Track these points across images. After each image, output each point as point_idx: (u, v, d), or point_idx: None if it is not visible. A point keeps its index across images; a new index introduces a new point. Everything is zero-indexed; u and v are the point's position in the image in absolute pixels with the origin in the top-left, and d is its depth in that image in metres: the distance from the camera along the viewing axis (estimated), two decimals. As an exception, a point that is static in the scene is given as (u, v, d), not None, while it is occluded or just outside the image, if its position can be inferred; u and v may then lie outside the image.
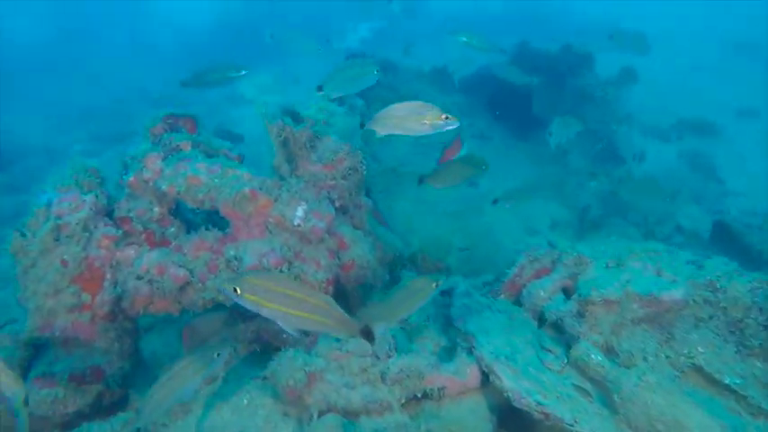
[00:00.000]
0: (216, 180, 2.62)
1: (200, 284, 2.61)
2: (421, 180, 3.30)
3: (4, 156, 8.06)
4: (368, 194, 3.25)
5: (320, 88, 4.48)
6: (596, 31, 13.17)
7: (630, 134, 4.64)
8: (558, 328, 2.92)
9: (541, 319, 3.00)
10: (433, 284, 2.45)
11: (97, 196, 2.51)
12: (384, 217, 3.59)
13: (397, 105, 2.38)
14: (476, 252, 3.90)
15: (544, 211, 4.80)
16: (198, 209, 2.71)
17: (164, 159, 2.70)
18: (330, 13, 14.86)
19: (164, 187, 2.65)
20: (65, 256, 2.36)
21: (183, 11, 16.76)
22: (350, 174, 2.85)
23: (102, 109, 10.42)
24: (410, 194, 4.35)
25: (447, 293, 3.25)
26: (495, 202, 3.64)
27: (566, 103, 5.16)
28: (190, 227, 2.91)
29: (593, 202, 4.72)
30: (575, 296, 2.84)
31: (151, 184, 2.67)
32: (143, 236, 2.66)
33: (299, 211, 2.65)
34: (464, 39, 4.83)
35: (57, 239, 2.36)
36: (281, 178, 2.81)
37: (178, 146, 2.78)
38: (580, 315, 2.78)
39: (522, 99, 5.46)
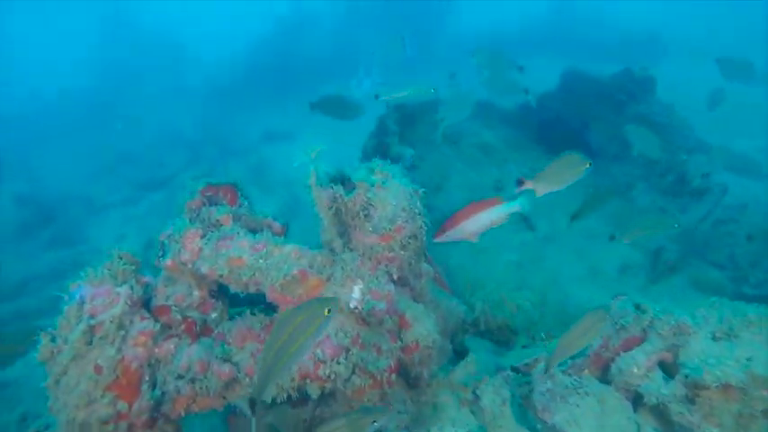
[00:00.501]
0: (261, 261, 2.33)
1: (247, 379, 2.32)
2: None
3: (46, 206, 8.11)
4: (426, 257, 2.91)
5: (377, 96, 4.29)
6: (641, 42, 12.75)
7: (708, 165, 4.18)
8: (660, 414, 2.49)
9: (637, 402, 2.58)
10: None
11: (132, 288, 2.24)
12: (445, 278, 3.24)
13: (553, 164, 2.58)
14: (545, 309, 3.50)
15: (611, 251, 4.36)
16: (242, 292, 2.42)
17: (203, 237, 2.43)
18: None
19: (204, 270, 2.37)
20: (99, 361, 2.09)
21: (212, 51, 17.05)
22: (409, 242, 2.52)
23: (137, 154, 10.48)
24: (465, 245, 3.98)
25: (521, 370, 2.86)
26: (611, 238, 3.50)
27: (626, 131, 4.74)
28: (233, 300, 2.64)
29: (666, 242, 4.25)
30: (680, 376, 2.41)
31: (190, 266, 2.40)
32: (183, 326, 2.38)
33: (356, 292, 2.33)
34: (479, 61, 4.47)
35: (89, 342, 2.10)
36: (332, 251, 2.50)
37: (218, 221, 2.51)
38: (690, 401, 2.35)
39: (575, 130, 5.06)
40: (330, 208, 2.39)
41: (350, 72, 14.21)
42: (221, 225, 2.51)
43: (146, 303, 2.39)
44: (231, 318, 2.54)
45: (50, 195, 8.55)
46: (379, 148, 3.93)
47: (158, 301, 2.41)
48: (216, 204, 2.61)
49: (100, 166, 10.48)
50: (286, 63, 14.48)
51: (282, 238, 2.48)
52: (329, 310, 1.73)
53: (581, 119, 5.10)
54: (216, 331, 2.45)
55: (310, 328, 1.71)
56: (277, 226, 2.68)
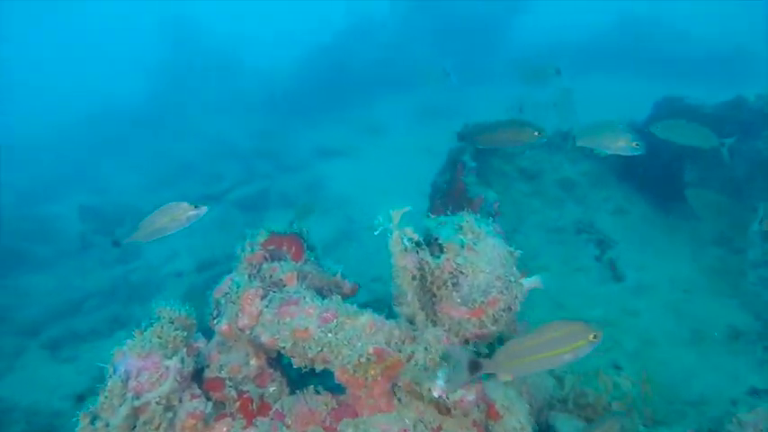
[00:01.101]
0: (330, 335, 1.97)
1: (307, 471, 1.97)
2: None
3: (107, 219, 8.16)
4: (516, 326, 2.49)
5: (461, 137, 3.95)
6: (727, 58, 11.76)
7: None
8: None
9: None
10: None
11: (183, 360, 1.94)
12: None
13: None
14: (647, 386, 2.98)
15: (717, 311, 3.77)
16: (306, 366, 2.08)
17: (264, 297, 2.11)
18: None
19: (264, 339, 2.05)
20: (142, 450, 1.79)
21: (268, 60, 17.18)
22: (502, 315, 2.12)
23: (192, 166, 10.51)
24: (543, 297, 3.52)
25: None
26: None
27: (732, 169, 4.15)
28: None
29: (787, 304, 3.63)
30: None
31: (248, 332, 2.08)
32: (237, 403, 2.06)
33: (441, 379, 1.94)
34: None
35: (133, 428, 1.80)
36: (410, 322, 2.12)
37: (281, 280, 2.19)
38: None
39: (668, 164, 4.50)
40: (414, 279, 2.02)
41: (406, 86, 13.94)
42: (285, 285, 2.18)
43: (197, 374, 2.09)
44: (292, 391, 2.21)
45: (111, 207, 8.62)
46: (452, 187, 3.55)
47: (211, 371, 2.10)
48: (279, 259, 2.29)
49: (158, 177, 10.59)
50: (341, 75, 14.35)
51: (355, 307, 2.11)
52: (595, 337, 1.64)
53: (675, 153, 4.53)
54: (274, 408, 2.12)
55: (569, 346, 1.65)
56: (347, 286, 2.34)
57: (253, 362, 2.16)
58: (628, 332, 3.53)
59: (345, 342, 1.97)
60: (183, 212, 2.45)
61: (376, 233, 1.97)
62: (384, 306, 4.49)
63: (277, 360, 2.25)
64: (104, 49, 26.93)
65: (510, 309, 2.15)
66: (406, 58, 15.50)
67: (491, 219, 2.35)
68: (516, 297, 2.16)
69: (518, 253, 2.23)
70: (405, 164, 8.15)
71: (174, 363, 1.92)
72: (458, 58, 14.64)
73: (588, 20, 15.29)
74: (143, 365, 1.89)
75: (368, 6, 17.38)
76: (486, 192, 3.12)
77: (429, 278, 2.08)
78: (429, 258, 2.03)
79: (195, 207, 2.49)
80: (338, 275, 2.37)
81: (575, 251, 4.14)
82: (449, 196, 3.60)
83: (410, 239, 2.00)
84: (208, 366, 2.12)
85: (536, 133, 2.93)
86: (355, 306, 2.12)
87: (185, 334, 2.05)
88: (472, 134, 3.77)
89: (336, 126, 11.87)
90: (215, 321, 2.19)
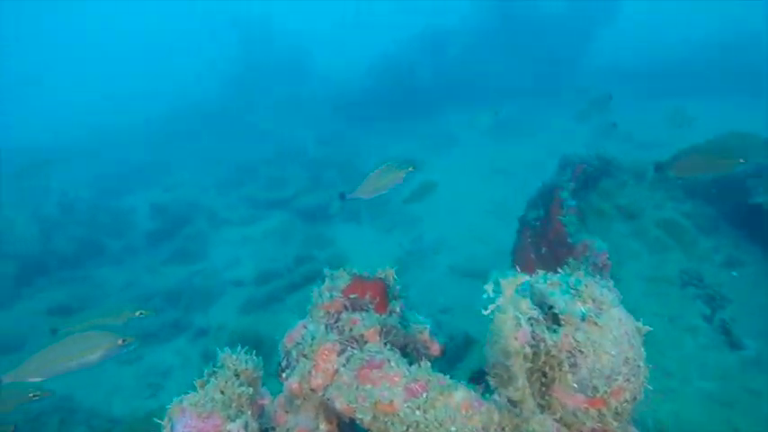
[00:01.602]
0: (419, 413, 1.66)
1: None
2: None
3: (176, 217, 8.30)
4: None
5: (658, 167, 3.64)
6: None
7: None
8: None
9: None
10: None
11: (247, 424, 1.68)
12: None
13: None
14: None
15: None
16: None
17: (341, 354, 1.83)
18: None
19: (338, 404, 1.77)
20: None
21: (340, 65, 17.21)
22: (626, 406, 1.73)
23: (258, 168, 10.55)
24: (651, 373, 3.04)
25: None
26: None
27: None
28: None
29: None
30: None
31: (321, 393, 1.81)
32: (303, 477, 1.78)
33: (549, 483, 1.58)
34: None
35: (186, 502, 1.56)
36: (513, 405, 1.77)
37: (362, 335, 1.90)
38: None
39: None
40: (527, 360, 1.67)
41: (479, 99, 13.49)
42: (366, 341, 1.89)
43: (261, 435, 1.83)
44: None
45: (181, 205, 8.76)
46: (547, 226, 3.16)
47: (276, 436, 1.84)
48: (361, 308, 2.00)
49: (224, 177, 10.72)
50: (412, 84, 14.09)
51: (449, 378, 1.78)
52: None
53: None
54: (343, 484, 1.83)
55: None
56: (436, 346, 2.02)
57: (323, 427, 1.88)
58: (749, 417, 2.99)
59: (437, 424, 1.65)
60: (400, 174, 2.59)
61: (485, 312, 1.64)
62: (457, 346, 4.13)
63: (350, 426, 1.96)
64: (182, 47, 28.19)
65: (635, 399, 1.76)
66: (480, 70, 15.09)
67: (600, 274, 1.97)
68: (643, 383, 1.77)
69: (647, 329, 1.83)
70: (477, 182, 7.76)
71: (237, 427, 1.67)
72: (535, 72, 14.08)
73: (685, 33, 14.24)
74: (203, 428, 1.65)
75: (442, 15, 17.12)
76: (591, 238, 2.72)
77: (542, 357, 1.72)
78: (546, 335, 1.68)
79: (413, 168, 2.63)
80: (426, 332, 2.05)
81: (680, 308, 3.62)
82: (542, 237, 3.21)
83: (527, 317, 1.65)
84: (273, 429, 1.86)
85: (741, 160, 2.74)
86: (448, 377, 1.80)
87: (251, 391, 1.80)
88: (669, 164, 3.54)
89: (405, 137, 11.62)
90: (284, 375, 1.93)
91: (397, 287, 2.18)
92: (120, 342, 2.06)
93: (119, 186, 10.79)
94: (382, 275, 2.15)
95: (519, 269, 3.36)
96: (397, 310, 2.09)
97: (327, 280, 2.08)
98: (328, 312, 1.99)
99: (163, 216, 8.20)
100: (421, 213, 7.50)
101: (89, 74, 26.84)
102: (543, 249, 3.17)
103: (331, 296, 2.00)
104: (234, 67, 17.25)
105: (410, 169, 2.59)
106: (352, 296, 2.00)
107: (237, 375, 1.79)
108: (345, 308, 1.99)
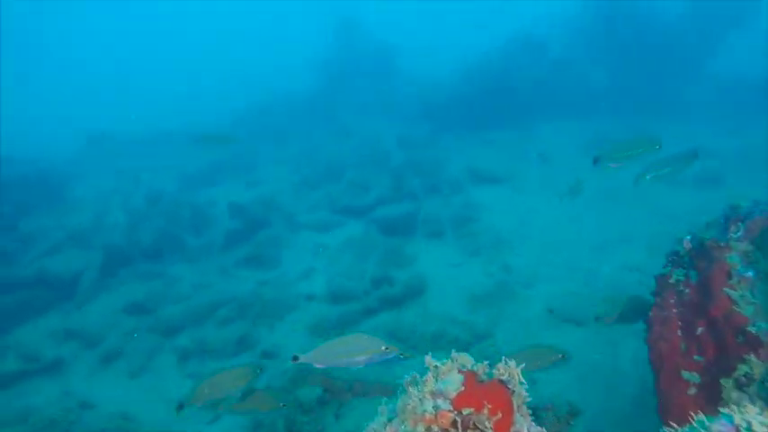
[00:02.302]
0: None
1: None
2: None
3: (252, 217, 8.14)
4: None
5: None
6: None
7: None
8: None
9: None
10: None
11: None
12: None
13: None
14: None
15: None
16: None
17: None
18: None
19: None
20: None
21: (426, 68, 16.67)
22: None
23: (340, 170, 10.23)
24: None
25: None
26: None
27: None
28: None
29: None
30: None
31: None
32: None
33: None
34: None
35: None
36: None
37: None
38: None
39: None
40: None
41: (577, 111, 12.41)
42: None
43: None
44: None
45: (260, 205, 8.62)
46: (705, 300, 2.41)
47: None
48: (475, 428, 1.44)
49: (306, 176, 10.51)
50: (504, 91, 13.23)
51: None
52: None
53: None
54: None
55: None
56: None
57: None
58: None
59: None
60: (370, 353, 2.40)
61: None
62: (557, 418, 3.43)
63: None
64: (272, 42, 28.93)
65: None
66: (581, 79, 13.95)
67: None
68: None
69: None
70: (575, 206, 6.88)
71: None
72: (645, 82, 12.76)
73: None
74: None
75: (542, 17, 16.07)
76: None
77: None
78: None
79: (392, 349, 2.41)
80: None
81: None
82: (696, 311, 2.47)
83: None
84: None
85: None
86: None
87: None
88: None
89: (495, 147, 10.85)
90: None
91: (524, 392, 1.59)
92: (383, 348, 2.31)
93: (203, 180, 10.95)
94: (504, 374, 1.57)
95: (662, 351, 2.56)
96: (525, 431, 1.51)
97: (431, 374, 1.54)
98: (430, 429, 1.45)
99: (242, 215, 8.07)
100: (511, 236, 6.79)
101: (180, 68, 28.24)
102: (699, 329, 2.43)
103: (436, 407, 1.45)
104: (324, 62, 17.24)
105: (384, 348, 2.28)
106: (465, 411, 1.44)
107: None
108: (455, 426, 1.44)
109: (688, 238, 2.88)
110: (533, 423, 1.57)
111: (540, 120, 12.30)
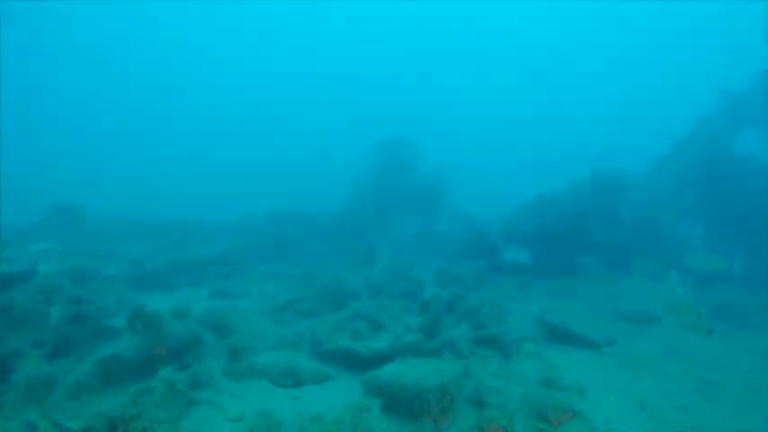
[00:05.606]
0: None
1: None
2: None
3: (177, 341, 4.85)
4: None
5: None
6: None
7: None
8: None
9: None
10: None
11: None
12: None
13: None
14: None
15: None
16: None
17: None
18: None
19: None
20: None
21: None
22: None
23: (346, 301, 6.98)
24: None
25: None
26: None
27: None
28: None
29: None
30: None
31: None
32: None
33: None
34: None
35: None
36: None
37: None
38: None
39: None
40: None
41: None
42: None
43: None
44: None
45: (204, 324, 5.30)
46: None
47: None
48: None
49: (296, 300, 7.26)
50: (582, 232, 10.21)
51: None
52: None
53: None
54: None
55: None
56: None
57: None
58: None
59: None
60: None
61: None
62: None
63: None
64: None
65: None
66: (670, 231, 11.14)
67: None
68: None
69: None
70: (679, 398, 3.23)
71: None
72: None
73: None
74: None
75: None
76: None
77: None
78: None
79: None
80: None
81: None
82: None
83: None
84: None
85: None
86: None
87: None
88: None
89: (574, 299, 7.47)
90: None
91: None
92: None
93: (160, 280, 7.97)
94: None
95: None
96: None
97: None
98: None
99: (162, 332, 4.81)
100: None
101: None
102: None
103: None
104: (359, 180, 15.08)
105: None
106: None
107: None
108: None
109: None
110: None
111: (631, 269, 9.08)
